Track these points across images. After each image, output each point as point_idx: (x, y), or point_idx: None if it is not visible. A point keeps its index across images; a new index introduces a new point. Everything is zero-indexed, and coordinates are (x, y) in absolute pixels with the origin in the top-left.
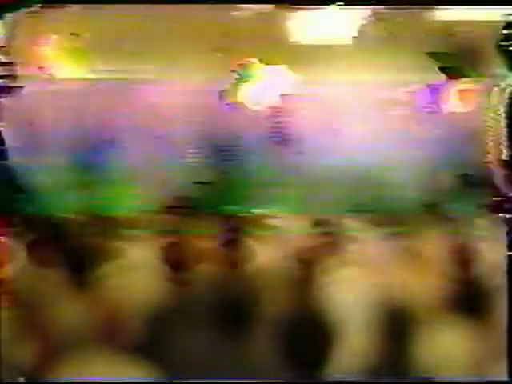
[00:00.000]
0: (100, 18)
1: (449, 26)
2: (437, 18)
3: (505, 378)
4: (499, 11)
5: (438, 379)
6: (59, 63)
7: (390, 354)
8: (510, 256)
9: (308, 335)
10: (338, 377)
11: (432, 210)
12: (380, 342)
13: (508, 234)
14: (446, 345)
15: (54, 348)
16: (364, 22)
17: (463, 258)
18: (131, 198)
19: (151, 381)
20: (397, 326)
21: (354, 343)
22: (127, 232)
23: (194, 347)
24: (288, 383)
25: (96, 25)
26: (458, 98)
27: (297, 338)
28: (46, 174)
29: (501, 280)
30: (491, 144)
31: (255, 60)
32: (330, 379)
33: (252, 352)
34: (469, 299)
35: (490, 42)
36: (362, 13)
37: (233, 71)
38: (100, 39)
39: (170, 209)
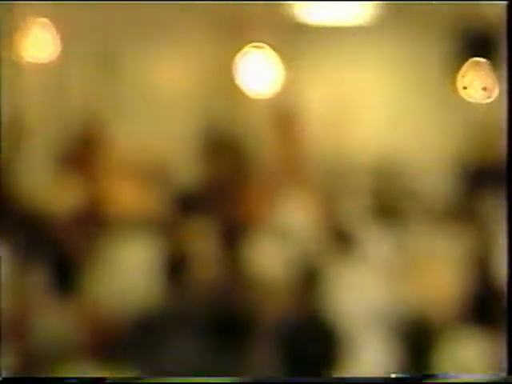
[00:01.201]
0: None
1: (469, 4)
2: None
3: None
4: None
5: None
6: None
7: (402, 364)
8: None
9: (314, 344)
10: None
11: (455, 208)
12: (393, 353)
13: None
14: (463, 355)
15: (36, 359)
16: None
17: (484, 262)
18: (126, 194)
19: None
20: (412, 335)
21: (366, 353)
22: (120, 231)
23: (193, 355)
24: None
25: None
26: (480, 86)
27: (301, 347)
28: (28, 167)
29: None
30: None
31: (261, 44)
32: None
33: (253, 360)
34: (489, 306)
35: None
36: None
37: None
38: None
39: (170, 206)
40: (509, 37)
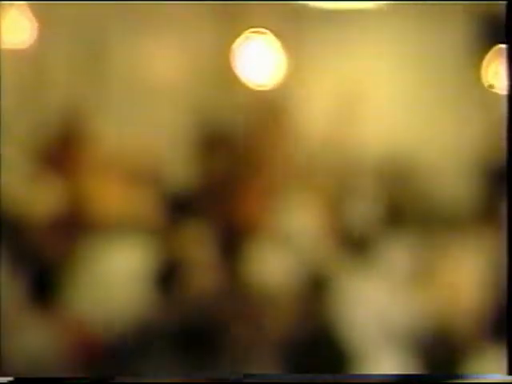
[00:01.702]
0: None
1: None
2: None
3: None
4: None
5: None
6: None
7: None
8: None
9: (321, 361)
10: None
11: (475, 212)
12: (409, 369)
13: None
14: (480, 364)
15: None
16: None
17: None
18: (112, 195)
19: None
20: (430, 351)
21: (378, 370)
22: (106, 236)
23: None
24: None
25: None
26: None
27: (307, 364)
28: (3, 164)
29: None
30: None
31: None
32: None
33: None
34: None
35: None
36: None
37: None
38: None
39: (161, 209)
40: (509, 37)
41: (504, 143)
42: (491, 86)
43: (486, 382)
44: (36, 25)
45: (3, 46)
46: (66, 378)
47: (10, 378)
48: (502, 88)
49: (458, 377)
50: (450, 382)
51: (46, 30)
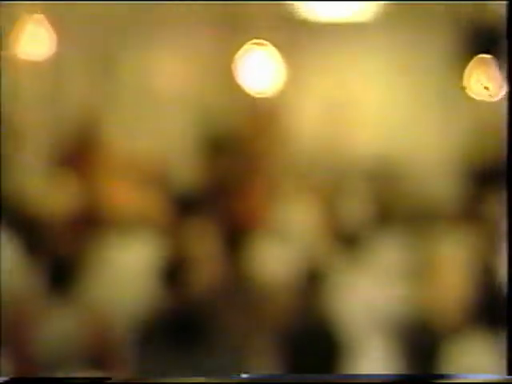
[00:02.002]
0: None
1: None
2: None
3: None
4: None
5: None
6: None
7: (410, 372)
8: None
9: (317, 349)
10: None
11: (460, 210)
12: (398, 361)
13: None
14: (469, 360)
15: (34, 363)
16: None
17: (490, 264)
18: (124, 195)
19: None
20: (413, 341)
21: (370, 358)
22: (118, 233)
23: (192, 358)
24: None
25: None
26: (485, 84)
27: (304, 352)
28: (24, 167)
29: None
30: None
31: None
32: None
33: (256, 363)
34: (494, 310)
35: None
36: None
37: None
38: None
39: (169, 208)
40: (509, 36)
41: (504, 144)
42: (464, 88)
43: (486, 382)
44: (54, 38)
45: (23, 58)
46: (63, 377)
47: (6, 378)
48: (481, 93)
49: (457, 377)
50: (450, 381)
51: (63, 44)
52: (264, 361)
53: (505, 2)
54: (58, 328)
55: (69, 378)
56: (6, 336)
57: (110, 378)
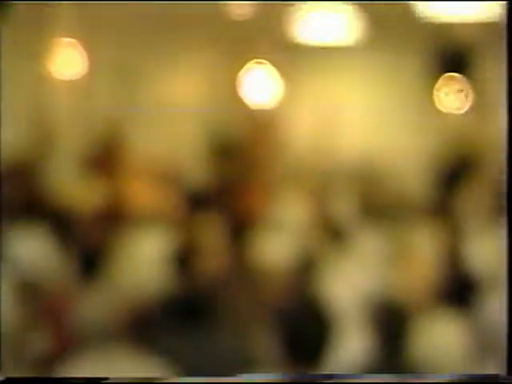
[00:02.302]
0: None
1: (443, 27)
2: (432, 20)
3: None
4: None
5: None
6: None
7: (385, 347)
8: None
9: (305, 327)
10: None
11: (431, 205)
12: (375, 336)
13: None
14: (438, 338)
15: (68, 340)
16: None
17: (456, 253)
18: (143, 193)
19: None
20: (391, 320)
21: (351, 336)
22: (139, 226)
23: (198, 338)
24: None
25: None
26: (453, 98)
27: (295, 330)
28: (59, 170)
29: (492, 275)
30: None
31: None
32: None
33: (253, 343)
34: (460, 293)
35: (483, 43)
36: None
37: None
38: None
39: (182, 204)
40: (509, 36)
41: (504, 145)
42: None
43: (486, 382)
44: (85, 60)
45: (59, 77)
46: (61, 378)
47: (1, 378)
48: (450, 106)
49: (457, 377)
50: (449, 382)
51: (93, 65)
52: (264, 337)
53: (505, 2)
54: (88, 308)
55: (66, 378)
56: (44, 317)
57: (107, 378)
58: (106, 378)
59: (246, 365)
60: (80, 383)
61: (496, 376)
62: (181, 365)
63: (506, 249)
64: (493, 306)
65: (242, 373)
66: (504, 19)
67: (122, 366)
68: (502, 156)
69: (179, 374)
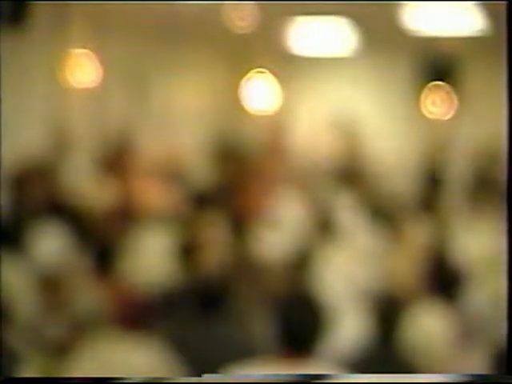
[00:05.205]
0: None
1: (430, 40)
2: (419, 34)
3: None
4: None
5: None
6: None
7: (377, 335)
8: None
9: (301, 316)
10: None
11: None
12: (368, 325)
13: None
14: (427, 326)
15: (78, 328)
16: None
17: (441, 247)
18: (151, 193)
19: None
20: (383, 308)
21: (344, 325)
22: (147, 222)
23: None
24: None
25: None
26: (438, 105)
27: (291, 319)
28: (75, 171)
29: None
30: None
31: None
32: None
33: (250, 331)
34: (448, 285)
35: (466, 55)
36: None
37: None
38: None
39: (186, 202)
40: (509, 36)
41: (504, 144)
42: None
43: (486, 382)
44: (99, 69)
45: (75, 85)
46: (60, 378)
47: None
48: (436, 113)
49: (455, 377)
50: (449, 382)
51: (107, 74)
52: (263, 323)
53: (505, 2)
54: (102, 294)
55: (67, 378)
56: (62, 304)
57: (109, 378)
58: (113, 378)
59: (246, 352)
60: (87, 383)
61: (496, 376)
62: (184, 352)
63: (506, 248)
64: (477, 297)
65: (242, 360)
66: (504, 19)
67: (130, 355)
68: (503, 156)
69: (183, 361)
